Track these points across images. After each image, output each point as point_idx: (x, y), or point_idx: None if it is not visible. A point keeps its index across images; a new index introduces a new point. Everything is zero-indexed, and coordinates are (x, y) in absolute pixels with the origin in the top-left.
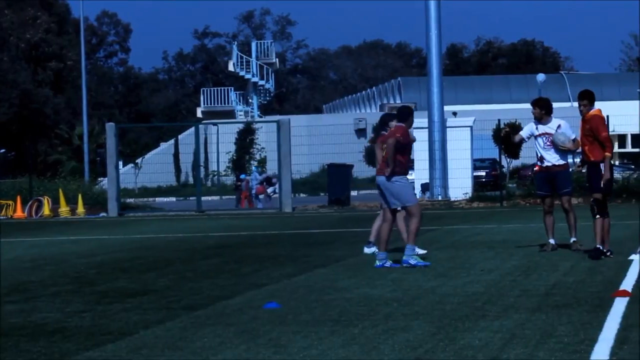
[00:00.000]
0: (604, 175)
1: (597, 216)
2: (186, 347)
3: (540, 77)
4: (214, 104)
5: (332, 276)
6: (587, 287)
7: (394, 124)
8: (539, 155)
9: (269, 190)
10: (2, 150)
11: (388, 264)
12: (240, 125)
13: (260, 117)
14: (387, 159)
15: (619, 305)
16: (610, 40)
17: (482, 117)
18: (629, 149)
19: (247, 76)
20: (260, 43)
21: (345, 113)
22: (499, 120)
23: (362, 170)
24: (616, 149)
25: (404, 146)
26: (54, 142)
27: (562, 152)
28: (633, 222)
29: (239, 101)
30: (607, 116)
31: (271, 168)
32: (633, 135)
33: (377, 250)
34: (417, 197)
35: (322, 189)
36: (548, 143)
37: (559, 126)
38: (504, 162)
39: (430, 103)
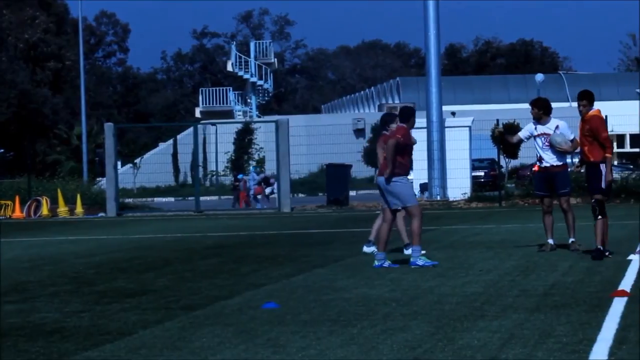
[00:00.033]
0: (607, 176)
1: (599, 217)
2: (185, 347)
3: (539, 77)
4: (213, 104)
5: (330, 276)
6: (586, 287)
7: (394, 126)
8: (538, 155)
9: (267, 190)
10: (1, 150)
11: (387, 264)
12: (239, 125)
13: (259, 117)
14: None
15: (618, 305)
16: (608, 40)
17: (480, 117)
18: (627, 149)
19: (246, 76)
20: (259, 43)
21: (343, 113)
22: (497, 120)
23: (360, 170)
24: (615, 149)
25: (405, 147)
26: (53, 142)
27: (559, 153)
28: (631, 222)
29: (238, 101)
30: (606, 116)
31: (270, 168)
32: (632, 135)
33: (376, 249)
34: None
35: (321, 189)
36: (546, 143)
37: (557, 127)
38: (502, 162)
39: (428, 103)
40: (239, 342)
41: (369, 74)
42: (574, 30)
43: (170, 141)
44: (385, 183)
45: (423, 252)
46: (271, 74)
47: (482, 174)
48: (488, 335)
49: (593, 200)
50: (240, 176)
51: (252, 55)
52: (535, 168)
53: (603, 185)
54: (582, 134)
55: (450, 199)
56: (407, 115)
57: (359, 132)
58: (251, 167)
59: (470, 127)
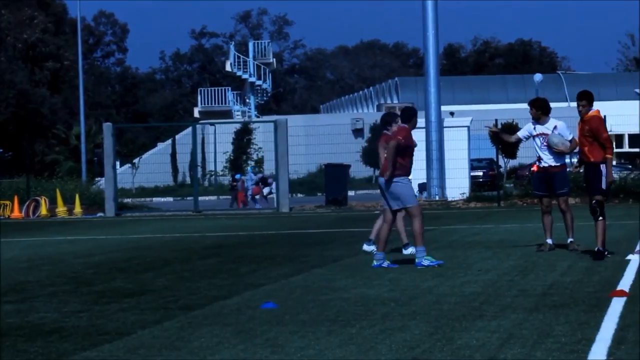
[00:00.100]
0: (608, 177)
1: (600, 218)
2: (184, 347)
3: (538, 77)
4: (211, 104)
5: (329, 276)
6: (585, 287)
7: (395, 126)
8: (537, 155)
9: (265, 190)
10: (0, 151)
11: (385, 264)
12: (238, 125)
13: (258, 117)
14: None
15: (617, 305)
16: (607, 40)
17: (479, 117)
18: (626, 148)
19: (245, 76)
20: (258, 43)
21: (342, 113)
22: (496, 120)
23: (359, 170)
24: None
25: (406, 148)
26: (51, 142)
27: (556, 153)
28: (629, 222)
29: (236, 101)
30: (605, 116)
31: (268, 168)
32: (630, 135)
33: (375, 249)
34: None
35: (320, 189)
36: (545, 143)
37: (555, 127)
38: (501, 162)
39: (427, 103)
40: (237, 342)
41: (367, 74)
42: (572, 30)
43: (169, 141)
44: (385, 184)
45: None
46: (270, 74)
47: (480, 174)
48: (487, 335)
49: (594, 202)
50: (238, 176)
51: (250, 55)
52: (534, 168)
53: (603, 186)
54: (581, 134)
55: (449, 199)
56: (409, 116)
57: (358, 132)
58: (249, 168)
59: (468, 127)
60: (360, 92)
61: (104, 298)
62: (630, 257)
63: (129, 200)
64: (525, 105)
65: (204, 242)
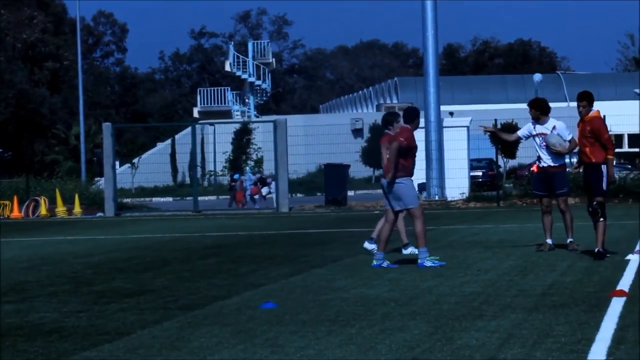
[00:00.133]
0: (610, 177)
1: (601, 219)
2: (183, 347)
3: (537, 77)
4: (211, 104)
5: (329, 276)
6: (584, 287)
7: (397, 125)
8: (537, 154)
9: (264, 190)
10: None
11: (385, 264)
12: (237, 125)
13: (257, 117)
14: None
15: (616, 305)
16: (606, 40)
17: (478, 117)
18: (625, 148)
19: (244, 76)
20: (257, 43)
21: (342, 113)
22: (495, 120)
23: (358, 170)
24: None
25: (408, 150)
26: (51, 142)
27: (553, 154)
28: (629, 222)
29: (236, 101)
30: (604, 116)
31: (268, 168)
32: (630, 135)
33: (376, 248)
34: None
35: (319, 189)
36: (544, 143)
37: (554, 127)
38: (500, 162)
39: (426, 103)
40: (237, 342)
41: (367, 74)
42: (572, 30)
43: (169, 141)
44: (388, 185)
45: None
46: (269, 74)
47: (480, 173)
48: (486, 335)
49: (594, 202)
50: (236, 176)
51: (250, 55)
52: (534, 168)
53: (604, 187)
54: (582, 135)
55: (449, 199)
56: (412, 116)
57: (357, 132)
58: (247, 168)
59: (468, 127)
60: (360, 92)
61: (103, 298)
62: (630, 257)
63: (128, 200)
64: (524, 105)
65: (204, 242)
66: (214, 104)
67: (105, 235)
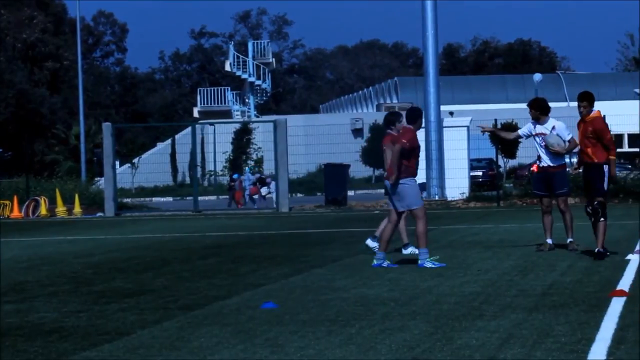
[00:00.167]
0: (613, 178)
1: (602, 219)
2: (183, 347)
3: (537, 77)
4: (211, 103)
5: (329, 276)
6: (584, 287)
7: (400, 125)
8: (537, 154)
9: (263, 190)
10: None
11: (385, 264)
12: (237, 125)
13: (257, 117)
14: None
15: (616, 305)
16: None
17: (478, 117)
18: (625, 148)
19: (244, 76)
20: (257, 43)
21: (341, 113)
22: (495, 120)
23: (358, 170)
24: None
25: (411, 151)
26: (51, 142)
27: (552, 154)
28: (629, 222)
29: (236, 101)
30: (604, 116)
31: (268, 168)
32: (630, 135)
33: (377, 246)
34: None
35: (319, 188)
36: (544, 143)
37: (553, 127)
38: (500, 162)
39: (426, 103)
40: (237, 342)
41: (367, 74)
42: (572, 30)
43: (169, 141)
44: (392, 187)
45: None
46: (269, 74)
47: (480, 173)
48: (486, 335)
49: (595, 202)
50: (235, 176)
51: (250, 55)
52: (534, 168)
53: (605, 187)
54: (584, 135)
55: (449, 199)
56: (415, 117)
57: (357, 132)
58: (247, 168)
59: (468, 127)
60: (360, 92)
61: (103, 298)
62: (630, 257)
63: (128, 200)
64: (524, 105)
65: (204, 242)
66: (214, 103)
67: (105, 235)
